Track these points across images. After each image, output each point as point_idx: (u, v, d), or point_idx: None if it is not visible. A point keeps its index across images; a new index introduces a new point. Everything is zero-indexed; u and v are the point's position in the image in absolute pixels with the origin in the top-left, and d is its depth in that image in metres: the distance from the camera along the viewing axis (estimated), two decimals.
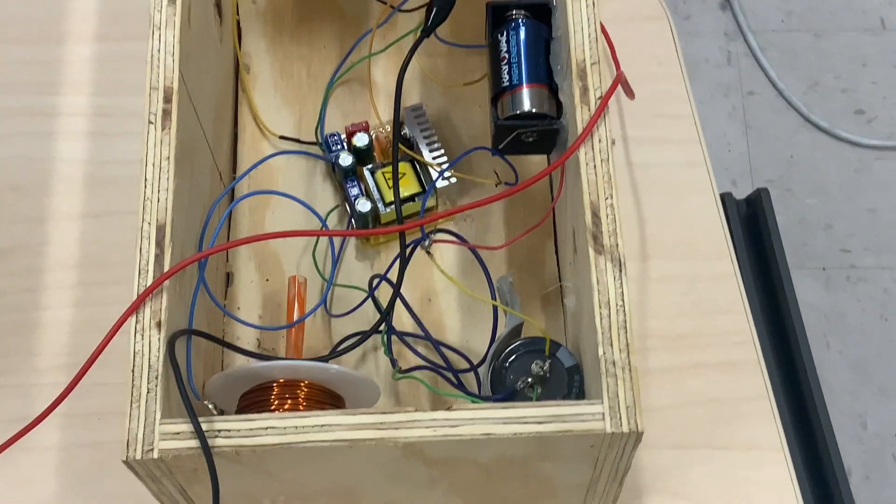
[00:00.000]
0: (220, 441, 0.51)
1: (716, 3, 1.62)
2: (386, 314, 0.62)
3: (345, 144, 0.70)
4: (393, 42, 0.71)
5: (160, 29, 0.59)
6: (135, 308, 0.54)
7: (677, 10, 1.62)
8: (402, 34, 0.71)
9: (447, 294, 0.68)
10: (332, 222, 0.69)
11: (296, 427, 0.51)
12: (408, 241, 0.60)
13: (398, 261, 0.60)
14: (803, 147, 1.54)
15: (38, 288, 0.69)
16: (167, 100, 0.58)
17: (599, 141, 0.57)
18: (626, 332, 0.53)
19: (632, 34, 0.75)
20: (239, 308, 0.68)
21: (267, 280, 0.69)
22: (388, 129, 0.71)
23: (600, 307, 0.54)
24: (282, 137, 0.72)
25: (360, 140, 0.69)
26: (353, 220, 0.68)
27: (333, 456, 0.52)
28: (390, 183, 0.68)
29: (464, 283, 0.66)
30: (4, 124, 0.74)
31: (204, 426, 0.51)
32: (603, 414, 0.51)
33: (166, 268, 0.54)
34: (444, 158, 0.69)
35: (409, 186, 0.68)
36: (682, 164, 0.73)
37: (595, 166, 0.57)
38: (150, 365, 0.53)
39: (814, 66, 1.57)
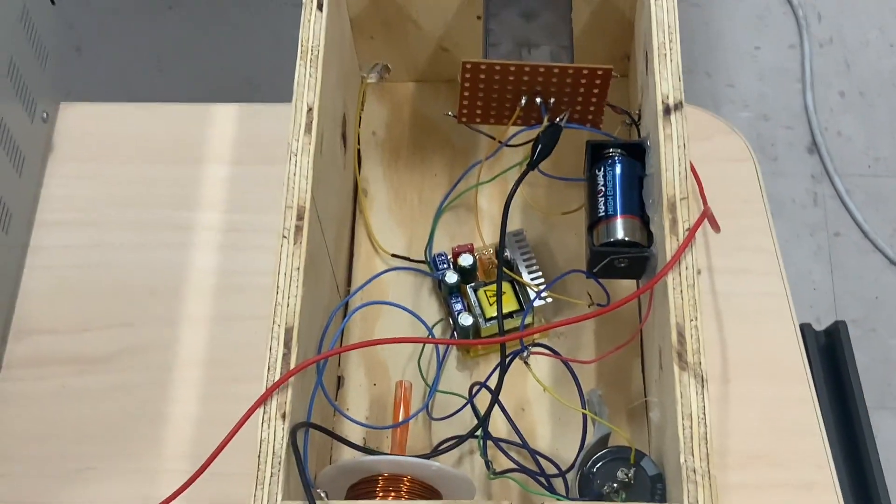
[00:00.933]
0: None
1: (804, 146, 1.68)
2: (484, 419, 0.67)
3: (451, 263, 0.77)
4: (499, 174, 0.78)
5: (297, 155, 0.67)
6: (263, 399, 0.60)
7: (766, 151, 1.68)
8: (508, 167, 0.77)
9: (540, 404, 0.73)
10: (436, 335, 0.76)
11: None
12: (508, 353, 0.66)
13: (497, 370, 0.66)
14: (888, 288, 1.57)
15: (168, 383, 0.76)
16: (300, 217, 0.65)
17: (686, 268, 0.63)
18: (707, 443, 0.58)
19: (720, 173, 0.82)
20: (348, 409, 0.74)
21: (374, 384, 0.75)
22: (492, 252, 0.77)
23: (683, 419, 0.59)
24: (393, 255, 0.79)
25: (465, 260, 0.76)
26: (455, 332, 0.75)
27: None
28: (492, 300, 0.74)
29: (556, 393, 0.71)
30: (146, 234, 0.82)
31: None
32: None
33: (292, 366, 0.61)
34: (542, 280, 0.75)
35: (509, 304, 0.74)
36: (764, 293, 0.78)
37: (682, 291, 0.62)
38: (274, 451, 0.59)
39: None
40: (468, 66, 0.71)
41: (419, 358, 0.74)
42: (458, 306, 0.75)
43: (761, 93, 1.77)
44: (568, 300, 0.75)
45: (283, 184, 0.66)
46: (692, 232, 0.63)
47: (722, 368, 0.76)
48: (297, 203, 0.66)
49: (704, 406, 0.59)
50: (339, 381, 0.75)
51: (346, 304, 0.77)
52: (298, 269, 0.64)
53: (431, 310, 0.77)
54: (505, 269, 0.75)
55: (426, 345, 0.74)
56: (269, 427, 0.60)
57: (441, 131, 0.83)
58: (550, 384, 0.73)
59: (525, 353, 0.66)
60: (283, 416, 0.60)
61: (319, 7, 0.72)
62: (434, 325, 0.76)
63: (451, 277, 0.75)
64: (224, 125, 0.85)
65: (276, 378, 0.61)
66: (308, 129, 0.68)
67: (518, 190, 0.71)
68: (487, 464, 0.68)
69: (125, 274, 0.80)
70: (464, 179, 0.80)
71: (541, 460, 0.69)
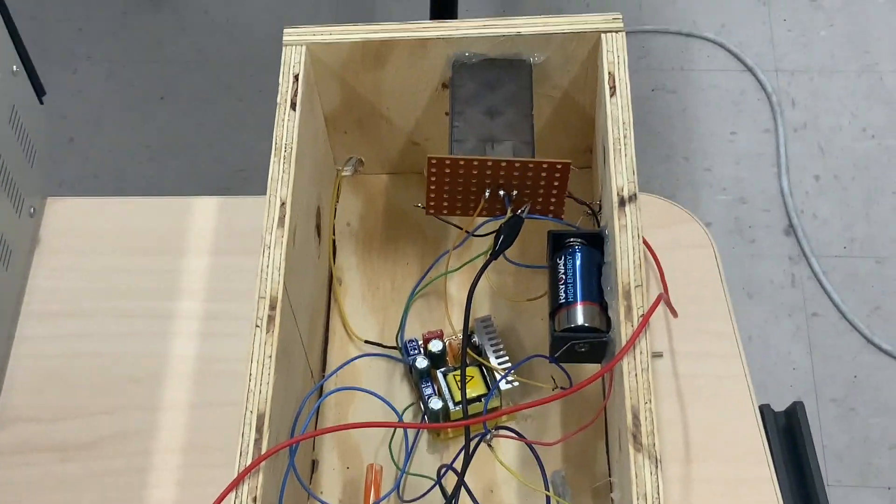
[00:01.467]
0: None
1: (780, 229, 1.71)
2: (450, 500, 0.70)
3: (421, 349, 0.80)
4: (467, 262, 0.81)
5: (270, 248, 0.70)
6: (235, 484, 0.63)
7: (743, 234, 1.72)
8: (475, 255, 0.81)
9: (508, 485, 0.76)
10: (408, 417, 0.78)
11: None
12: (473, 435, 0.69)
13: (463, 453, 0.69)
14: (867, 367, 1.60)
15: (149, 468, 0.78)
16: (272, 307, 0.68)
17: (641, 353, 0.66)
18: None
19: (682, 260, 0.85)
20: (322, 492, 0.76)
21: (348, 468, 0.77)
22: (460, 337, 0.80)
23: (637, 498, 0.61)
24: (367, 342, 0.82)
25: (435, 346, 0.78)
26: (426, 416, 0.77)
27: None
28: (460, 385, 0.77)
29: (522, 475, 0.74)
30: (128, 324, 0.85)
31: None
32: None
33: (263, 451, 0.64)
34: (509, 364, 0.78)
35: (476, 388, 0.77)
36: (724, 376, 0.81)
37: (636, 375, 0.65)
38: None
39: (876, 291, 1.64)
40: (433, 161, 0.74)
41: (390, 441, 0.76)
42: (429, 391, 0.78)
43: (738, 177, 1.81)
44: (533, 384, 0.78)
45: (257, 275, 0.69)
46: (646, 318, 0.66)
47: (684, 450, 0.78)
48: (270, 294, 0.69)
49: (658, 486, 0.62)
50: (314, 464, 0.78)
51: (321, 389, 0.80)
52: (271, 357, 0.67)
53: (403, 394, 0.80)
54: (472, 354, 0.78)
55: (397, 429, 0.77)
56: None
57: (413, 221, 0.87)
58: (518, 466, 0.75)
59: (489, 437, 0.69)
60: (254, 501, 0.62)
61: (293, 107, 0.76)
62: (405, 410, 0.78)
63: (422, 363, 0.78)
64: (204, 218, 0.88)
65: (248, 463, 0.63)
66: (281, 223, 0.71)
67: (485, 276, 0.74)
68: None
69: (108, 362, 0.83)
70: (434, 268, 0.83)
71: None
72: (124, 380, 0.82)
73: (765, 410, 0.79)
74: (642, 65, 1.94)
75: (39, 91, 0.90)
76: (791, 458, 0.78)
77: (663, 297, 0.71)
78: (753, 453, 0.78)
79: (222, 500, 0.62)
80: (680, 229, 0.88)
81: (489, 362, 0.78)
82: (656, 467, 0.62)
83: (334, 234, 0.86)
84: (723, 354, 0.82)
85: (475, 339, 0.79)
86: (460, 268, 0.81)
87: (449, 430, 0.77)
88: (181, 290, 0.86)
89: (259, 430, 0.64)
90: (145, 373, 0.82)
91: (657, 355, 0.82)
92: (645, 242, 0.81)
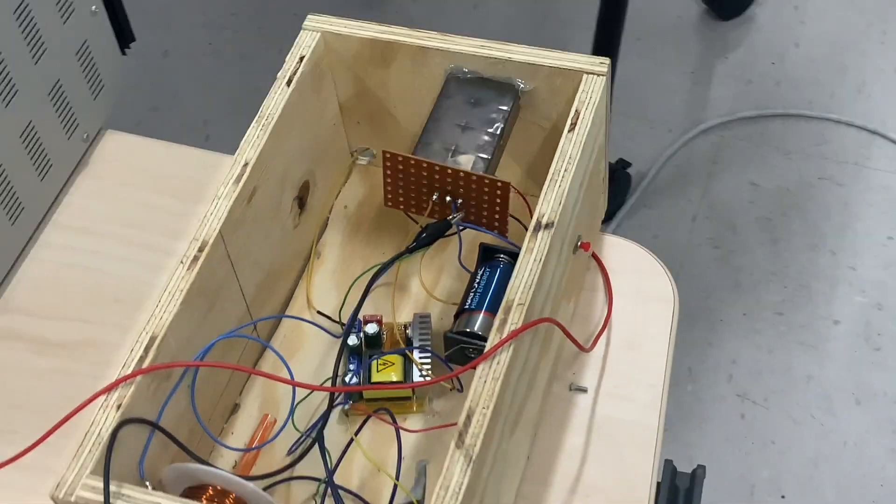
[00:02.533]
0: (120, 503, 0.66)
1: None
2: (333, 471, 0.75)
3: (360, 329, 0.85)
4: (402, 256, 0.86)
5: (219, 199, 0.78)
6: (108, 389, 0.70)
7: (870, 340, 1.70)
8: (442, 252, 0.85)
9: (392, 467, 0.80)
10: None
11: None
12: (336, 403, 0.74)
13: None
14: None
15: (105, 377, 0.87)
16: (200, 249, 0.76)
17: (498, 363, 0.69)
18: None
19: (640, 309, 0.87)
20: (232, 433, 0.83)
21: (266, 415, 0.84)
22: (402, 329, 0.85)
23: (440, 488, 0.65)
24: (318, 312, 0.88)
25: (371, 328, 0.83)
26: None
27: None
28: (380, 368, 0.82)
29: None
30: (134, 252, 0.94)
31: (117, 489, 0.66)
32: None
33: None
34: (429, 360, 0.82)
35: (395, 374, 0.82)
36: (638, 423, 0.82)
37: (486, 381, 0.69)
38: (98, 434, 0.69)
39: None
40: (388, 155, 0.80)
41: (296, 402, 0.81)
42: (352, 367, 0.83)
43: (882, 282, 1.77)
44: (445, 386, 0.82)
45: (199, 219, 0.77)
46: (513, 333, 0.70)
47: (573, 482, 0.80)
48: (203, 237, 0.76)
49: (463, 483, 0.65)
50: (235, 407, 0.84)
51: (264, 348, 0.86)
52: (182, 290, 0.74)
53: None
54: (403, 344, 0.83)
55: (314, 393, 0.82)
56: (102, 413, 0.69)
57: (403, 219, 0.92)
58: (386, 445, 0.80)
59: (347, 406, 0.74)
60: (118, 408, 0.70)
61: (288, 83, 0.83)
62: (326, 380, 0.84)
63: (352, 340, 0.83)
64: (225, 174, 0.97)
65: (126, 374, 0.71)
66: (237, 180, 0.78)
67: (440, 279, 0.79)
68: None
69: (104, 280, 0.93)
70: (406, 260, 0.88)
71: None
72: (111, 298, 0.92)
73: (666, 467, 0.80)
74: (817, 152, 1.92)
75: (126, 37, 1.01)
76: None
77: (555, 323, 0.74)
78: (637, 501, 0.79)
79: (92, 400, 0.70)
80: (651, 282, 0.90)
81: (412, 355, 0.83)
82: (468, 466, 0.65)
83: (329, 213, 0.93)
84: (645, 404, 0.84)
85: (409, 331, 0.84)
86: (402, 259, 0.85)
87: (363, 407, 0.82)
88: (184, 232, 0.94)
89: (147, 349, 0.72)
90: (129, 296, 0.92)
91: (581, 390, 0.84)
92: (606, 281, 0.85)
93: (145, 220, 0.96)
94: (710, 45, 2.06)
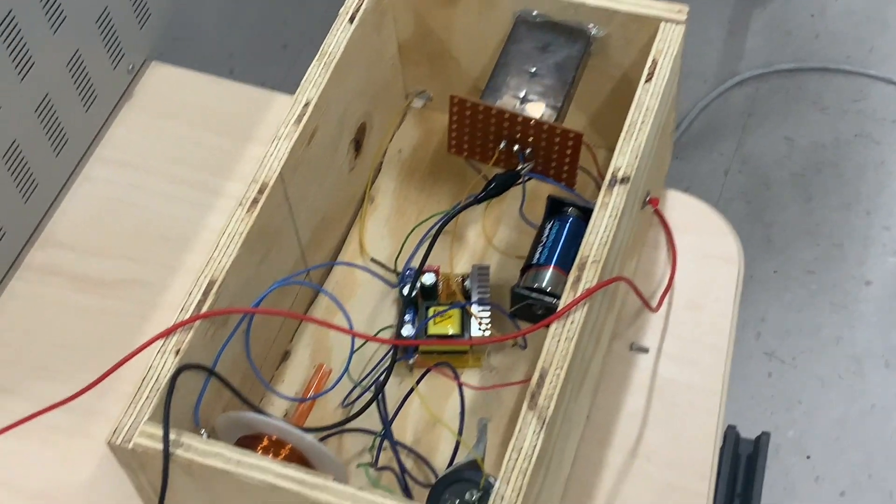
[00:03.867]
0: (180, 452, 0.64)
1: None
2: (390, 423, 0.73)
3: (416, 280, 0.82)
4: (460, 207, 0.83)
5: (280, 140, 0.75)
6: (166, 334, 0.68)
7: None
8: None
9: (454, 420, 0.77)
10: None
11: (238, 461, 0.63)
12: (399, 357, 0.71)
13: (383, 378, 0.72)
14: None
15: (149, 319, 0.84)
16: (260, 191, 0.73)
17: (572, 322, 0.67)
18: (525, 478, 0.62)
19: (704, 268, 0.85)
20: (283, 381, 0.81)
21: (314, 366, 0.81)
22: (459, 280, 0.82)
23: (512, 450, 0.62)
24: (372, 260, 0.85)
25: (428, 279, 0.81)
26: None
27: (261, 494, 0.63)
28: (437, 321, 0.79)
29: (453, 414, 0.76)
30: (180, 189, 0.91)
31: (176, 437, 0.64)
32: None
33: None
34: (489, 315, 0.80)
35: (452, 326, 0.79)
36: (700, 387, 0.80)
37: (559, 341, 0.66)
38: (157, 379, 0.66)
39: None
40: (455, 100, 0.77)
41: (355, 350, 0.79)
42: (407, 318, 0.80)
43: None
44: (502, 336, 0.79)
45: (259, 160, 0.74)
46: (588, 291, 0.67)
47: (634, 444, 0.78)
48: (263, 179, 0.73)
49: (536, 446, 0.63)
50: (286, 354, 0.82)
51: (316, 294, 0.84)
52: (242, 234, 0.71)
53: (390, 316, 0.83)
54: (461, 296, 0.80)
55: (368, 342, 0.80)
56: (160, 358, 0.67)
57: (458, 165, 0.89)
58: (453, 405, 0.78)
59: (411, 360, 0.71)
60: (177, 353, 0.67)
61: (351, 20, 0.80)
62: (381, 330, 0.81)
63: (407, 290, 0.81)
64: (278, 114, 0.94)
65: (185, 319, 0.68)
66: (298, 120, 0.75)
67: (501, 232, 0.76)
68: (374, 463, 0.74)
69: (149, 216, 0.90)
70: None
71: (418, 465, 0.74)
72: (157, 236, 0.89)
73: (728, 433, 0.78)
74: (854, 108, 1.88)
75: None
76: (739, 484, 0.77)
77: (627, 282, 0.72)
78: (699, 466, 0.77)
79: (150, 344, 0.67)
80: (716, 241, 0.87)
81: (470, 308, 0.80)
82: (541, 429, 0.63)
83: (383, 157, 0.90)
84: (707, 367, 0.81)
85: (467, 282, 0.81)
86: (462, 209, 0.82)
87: (420, 361, 0.79)
88: (234, 171, 0.92)
89: (206, 293, 0.69)
90: (176, 234, 0.89)
91: (642, 350, 0.82)
92: (669, 239, 0.82)
93: (191, 156, 0.93)
94: None
